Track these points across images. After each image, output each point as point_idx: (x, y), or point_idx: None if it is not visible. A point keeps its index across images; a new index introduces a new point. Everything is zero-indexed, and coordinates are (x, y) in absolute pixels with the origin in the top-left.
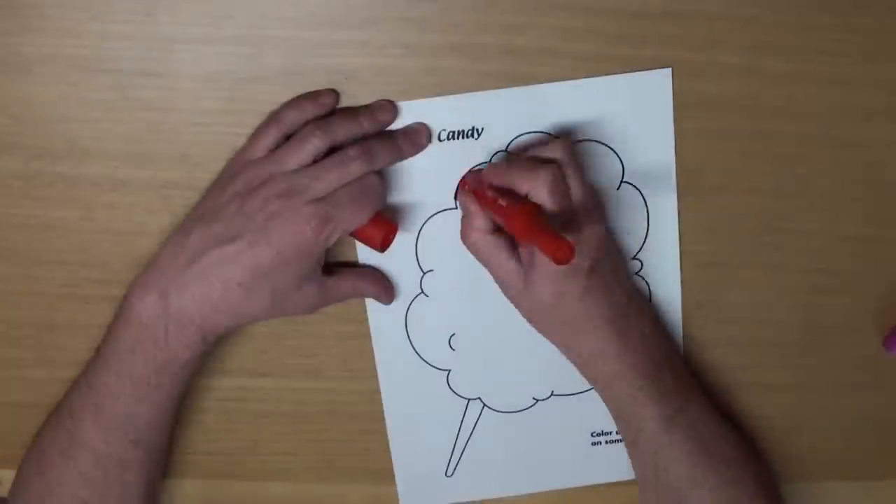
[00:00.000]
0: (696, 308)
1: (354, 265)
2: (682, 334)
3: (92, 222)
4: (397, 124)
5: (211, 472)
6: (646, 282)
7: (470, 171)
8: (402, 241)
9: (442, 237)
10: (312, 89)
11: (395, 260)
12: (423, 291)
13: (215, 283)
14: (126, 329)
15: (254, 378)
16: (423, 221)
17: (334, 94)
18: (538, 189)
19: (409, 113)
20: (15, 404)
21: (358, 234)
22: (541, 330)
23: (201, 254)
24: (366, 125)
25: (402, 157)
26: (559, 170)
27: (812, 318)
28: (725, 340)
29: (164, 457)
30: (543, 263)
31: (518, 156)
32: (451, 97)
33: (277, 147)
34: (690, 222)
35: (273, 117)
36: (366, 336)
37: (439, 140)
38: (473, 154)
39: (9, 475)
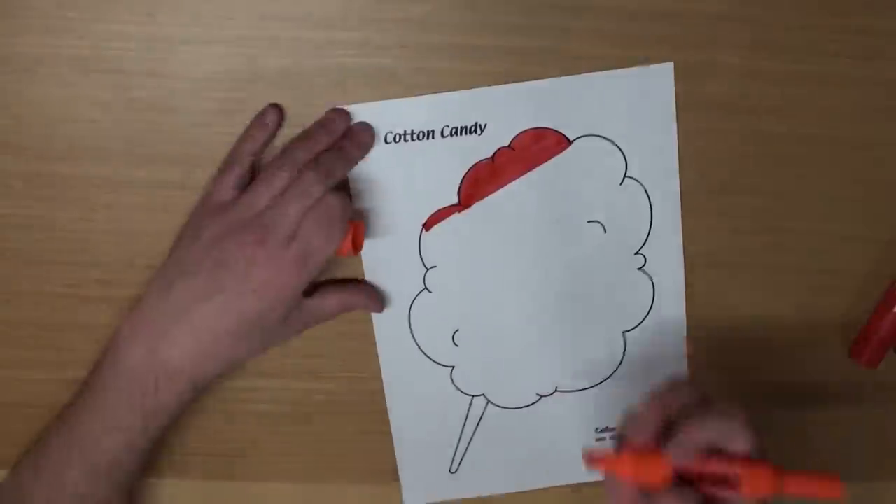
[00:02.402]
0: (697, 308)
1: (340, 281)
2: (683, 333)
3: (92, 222)
4: (404, 122)
5: (211, 472)
6: (649, 277)
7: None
8: (406, 237)
9: (445, 233)
10: (312, 89)
11: (398, 256)
12: (426, 287)
13: (205, 335)
14: (113, 378)
15: (254, 378)
16: (427, 217)
17: (276, 108)
18: (740, 438)
19: (414, 108)
20: (15, 404)
21: None
22: None
23: (187, 310)
24: (324, 141)
25: (354, 164)
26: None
27: (812, 318)
28: (725, 340)
29: (135, 486)
30: None
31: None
32: (455, 93)
33: (244, 184)
34: (690, 223)
35: (229, 157)
36: (366, 336)
37: (442, 136)
38: (477, 150)
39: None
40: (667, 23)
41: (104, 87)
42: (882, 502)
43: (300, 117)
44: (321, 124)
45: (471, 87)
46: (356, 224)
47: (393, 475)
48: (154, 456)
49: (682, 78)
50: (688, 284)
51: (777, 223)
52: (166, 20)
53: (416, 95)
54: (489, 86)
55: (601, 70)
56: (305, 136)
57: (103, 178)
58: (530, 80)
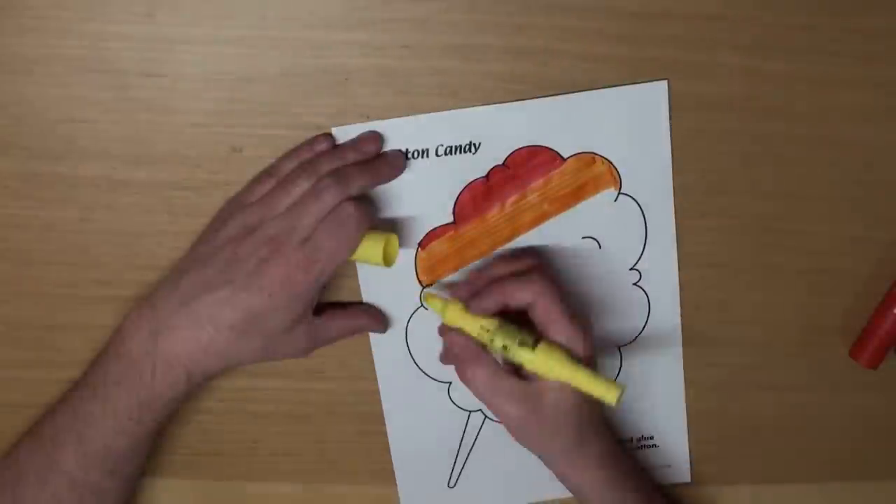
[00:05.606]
0: (696, 309)
1: (347, 304)
2: (681, 337)
3: (91, 222)
4: (398, 142)
5: (211, 472)
6: (644, 292)
7: (443, 327)
8: (402, 256)
9: (441, 251)
10: (312, 89)
11: (394, 275)
12: (422, 305)
13: (207, 325)
14: (115, 362)
15: (254, 378)
16: (422, 236)
17: (329, 138)
18: (538, 295)
19: (408, 128)
20: (15, 404)
21: (358, 257)
22: (531, 444)
23: (194, 297)
24: (350, 157)
25: (379, 180)
26: (544, 271)
27: (812, 318)
28: (725, 340)
29: (136, 484)
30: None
31: (489, 273)
32: (448, 112)
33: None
34: (690, 223)
35: (270, 168)
36: (366, 336)
37: (437, 155)
38: (471, 168)
39: None
40: (667, 23)
41: (103, 87)
42: (882, 502)
43: (300, 117)
44: (351, 143)
45: (471, 87)
46: (388, 237)
47: (392, 475)
48: (154, 455)
49: (681, 78)
50: (687, 285)
51: (777, 223)
52: (165, 20)
53: (416, 95)
54: (489, 86)
55: (601, 70)
56: (335, 151)
57: (103, 178)
58: (530, 80)
